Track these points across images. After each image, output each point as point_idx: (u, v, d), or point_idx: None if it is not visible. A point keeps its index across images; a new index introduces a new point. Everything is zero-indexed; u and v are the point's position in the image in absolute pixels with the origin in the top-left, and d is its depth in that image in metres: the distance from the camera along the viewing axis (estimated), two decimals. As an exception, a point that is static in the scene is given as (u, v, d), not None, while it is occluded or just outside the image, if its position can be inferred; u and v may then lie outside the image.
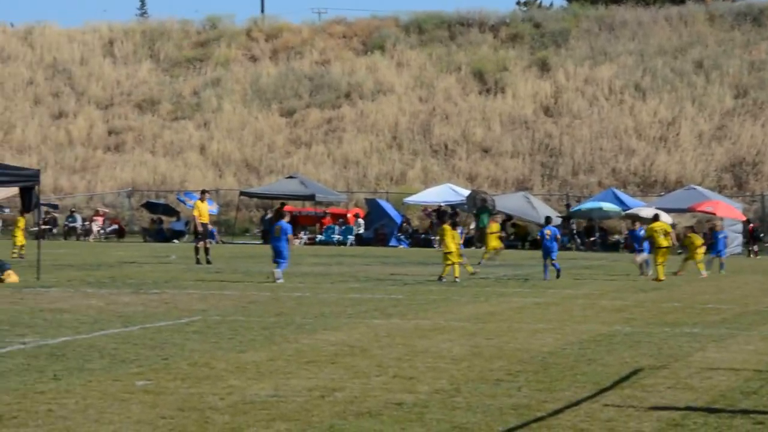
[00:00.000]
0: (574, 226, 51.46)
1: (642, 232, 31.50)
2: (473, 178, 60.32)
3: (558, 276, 29.11)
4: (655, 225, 30.12)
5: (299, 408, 10.85)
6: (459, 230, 30.69)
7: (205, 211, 34.45)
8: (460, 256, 28.32)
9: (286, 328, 17.40)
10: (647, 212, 42.74)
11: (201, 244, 33.79)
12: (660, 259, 28.89)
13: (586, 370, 13.26)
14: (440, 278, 27.46)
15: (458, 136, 63.82)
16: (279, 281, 26.27)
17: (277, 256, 26.77)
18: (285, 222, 27.40)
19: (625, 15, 72.85)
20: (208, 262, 33.25)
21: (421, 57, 70.64)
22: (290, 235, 27.35)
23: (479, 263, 32.95)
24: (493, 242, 34.27)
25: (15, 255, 34.90)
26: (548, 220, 32.39)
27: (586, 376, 12.80)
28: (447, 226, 28.56)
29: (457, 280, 27.20)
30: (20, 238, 36.48)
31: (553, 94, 66.70)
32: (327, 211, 53.58)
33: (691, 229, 35.71)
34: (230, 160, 63.11)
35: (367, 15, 77.18)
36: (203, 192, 36.42)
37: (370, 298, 22.70)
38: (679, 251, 36.28)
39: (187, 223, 53.29)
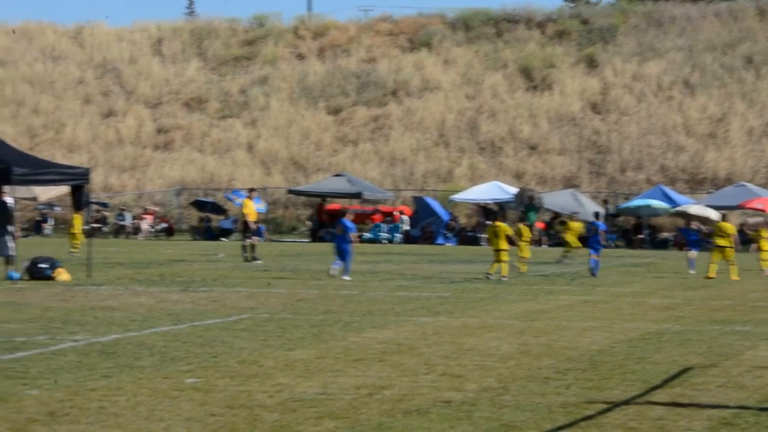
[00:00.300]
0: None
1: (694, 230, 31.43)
2: (520, 175, 60.11)
3: (593, 273, 28.85)
4: (721, 224, 29.97)
5: (347, 406, 10.88)
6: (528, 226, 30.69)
7: (253, 208, 34.65)
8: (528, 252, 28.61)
9: (334, 325, 17.45)
10: (696, 209, 42.41)
11: (248, 241, 33.97)
12: (714, 258, 28.64)
13: (636, 369, 13.18)
14: (487, 275, 27.40)
15: (505, 134, 63.63)
16: (345, 278, 26.55)
17: (340, 254, 27.01)
18: (348, 220, 27.77)
19: (673, 10, 72.26)
20: (255, 259, 33.39)
21: (467, 54, 70.50)
22: (353, 234, 27.68)
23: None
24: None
25: (76, 251, 35.19)
26: (597, 215, 32.16)
27: (636, 375, 12.73)
28: (501, 223, 28.45)
29: (504, 278, 27.13)
30: (78, 236, 36.76)
31: (600, 91, 66.30)
32: (378, 209, 53.57)
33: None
34: (277, 158, 63.36)
35: (414, 12, 77.04)
36: (251, 190, 36.59)
37: (417, 296, 22.71)
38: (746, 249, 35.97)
39: (235, 221, 53.54)
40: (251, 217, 34.13)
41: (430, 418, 10.33)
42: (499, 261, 27.45)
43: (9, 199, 27.80)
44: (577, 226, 36.07)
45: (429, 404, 10.98)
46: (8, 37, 76.35)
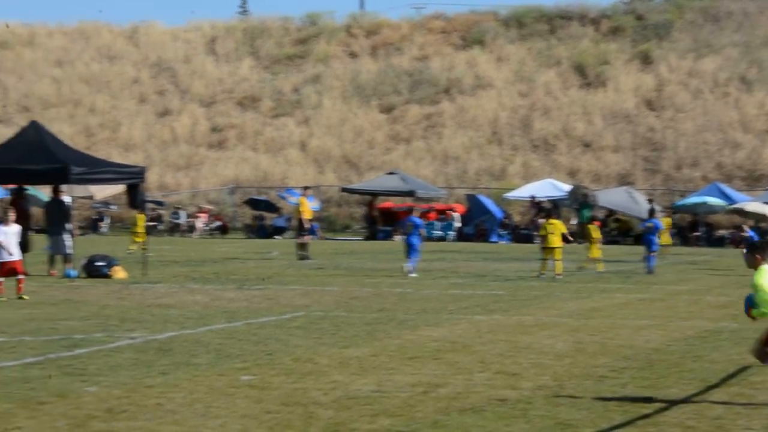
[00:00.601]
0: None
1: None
2: (574, 172, 59.76)
3: (649, 271, 28.68)
4: None
5: (402, 403, 10.88)
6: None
7: (308, 207, 34.80)
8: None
9: (389, 323, 17.46)
10: (753, 207, 41.94)
11: (303, 239, 34.07)
12: None
13: (693, 367, 13.06)
14: (540, 274, 27.30)
15: (559, 131, 63.29)
16: (411, 275, 26.74)
17: (409, 251, 27.27)
18: (416, 217, 28.05)
19: (730, 6, 71.46)
20: (305, 257, 33.44)
21: (520, 51, 70.21)
22: (422, 230, 27.95)
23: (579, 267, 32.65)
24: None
25: (144, 249, 35.43)
26: (652, 212, 31.89)
27: (693, 373, 12.60)
28: (555, 221, 28.32)
29: (558, 276, 27.00)
30: (141, 235, 36.88)
31: (655, 88, 65.74)
32: (433, 207, 53.46)
33: None
34: (330, 157, 63.50)
35: (466, 10, 76.92)
36: (306, 188, 36.71)
37: (471, 294, 22.66)
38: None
39: (288, 219, 53.75)
40: (306, 215, 34.25)
41: (485, 416, 10.30)
42: (550, 259, 27.35)
43: (67, 198, 28.14)
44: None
45: (484, 402, 10.95)
46: (65, 38, 77.20)
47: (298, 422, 10.00)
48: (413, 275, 26.86)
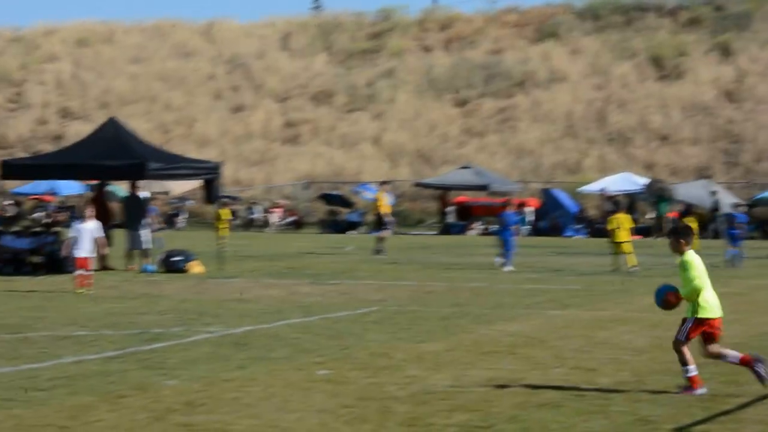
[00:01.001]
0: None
1: None
2: (651, 166, 59.08)
3: (734, 264, 28.31)
4: None
5: (479, 399, 10.83)
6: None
7: (386, 201, 34.85)
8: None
9: (464, 318, 17.40)
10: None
11: (382, 233, 34.03)
12: None
13: (775, 364, 12.82)
14: (614, 269, 27.09)
15: (635, 124, 62.61)
16: (507, 269, 27.00)
17: (503, 246, 27.64)
18: (510, 212, 28.55)
19: (810, -5, 70.10)
20: (379, 251, 33.37)
21: (596, 44, 69.55)
22: (516, 225, 28.48)
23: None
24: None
25: (223, 244, 35.68)
26: (735, 206, 31.50)
27: (775, 370, 12.37)
28: (622, 215, 28.24)
29: (635, 269, 26.74)
30: (225, 230, 37.17)
31: (735, 79, 64.72)
32: (511, 200, 52.98)
33: None
34: (404, 151, 63.48)
35: (541, 2, 76.27)
36: (384, 183, 36.71)
37: (546, 289, 22.51)
38: None
39: (362, 214, 53.85)
40: (384, 210, 34.26)
41: (563, 412, 10.21)
42: (620, 253, 27.25)
43: (144, 194, 28.49)
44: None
45: (562, 397, 10.86)
46: (142, 35, 78.13)
47: (374, 417, 10.00)
48: (509, 268, 27.04)
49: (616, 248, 27.36)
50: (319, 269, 27.65)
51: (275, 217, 55.02)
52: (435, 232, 52.10)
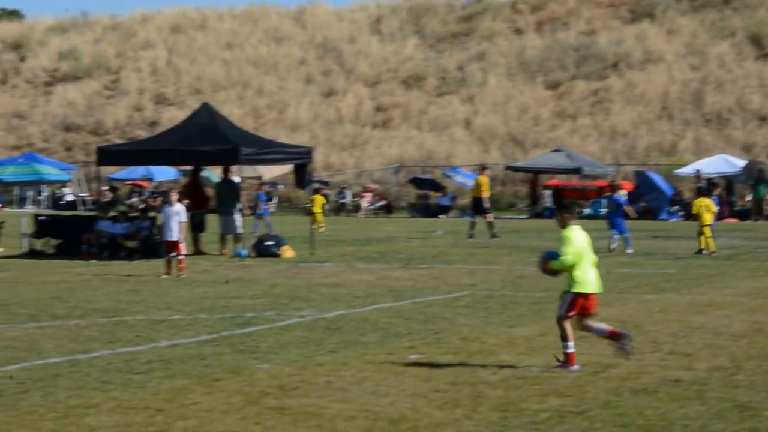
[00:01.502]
0: None
1: None
2: (749, 148, 57.90)
3: None
4: None
5: (572, 384, 10.72)
6: (714, 200, 29.47)
7: (487, 185, 34.63)
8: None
9: (556, 302, 17.23)
10: None
11: (486, 218, 33.81)
12: None
13: None
14: (700, 251, 26.80)
15: (733, 105, 61.40)
16: (628, 251, 27.16)
17: (613, 228, 27.79)
18: (618, 196, 28.57)
19: None
20: (471, 236, 33.22)
21: (692, 23, 68.31)
22: (626, 207, 28.39)
23: None
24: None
25: (322, 229, 35.98)
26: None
27: None
28: (704, 198, 27.98)
29: (713, 254, 26.47)
30: (320, 215, 37.51)
31: (835, 57, 63.07)
32: (613, 183, 52.23)
33: None
34: (495, 135, 63.14)
35: (634, -18, 74.99)
36: (483, 168, 36.45)
37: (641, 273, 22.21)
38: None
39: (453, 198, 53.71)
40: (486, 194, 33.98)
41: (658, 397, 10.07)
42: (703, 236, 27.01)
43: (237, 179, 28.74)
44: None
45: (657, 383, 10.71)
46: (235, 21, 78.81)
47: (467, 401, 9.96)
48: (629, 251, 27.09)
49: (702, 231, 27.18)
50: (410, 253, 27.64)
51: (366, 201, 55.17)
52: (526, 216, 51.75)
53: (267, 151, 28.72)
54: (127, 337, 13.74)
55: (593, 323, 11.57)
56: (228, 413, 9.51)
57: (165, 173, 53.88)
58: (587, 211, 49.77)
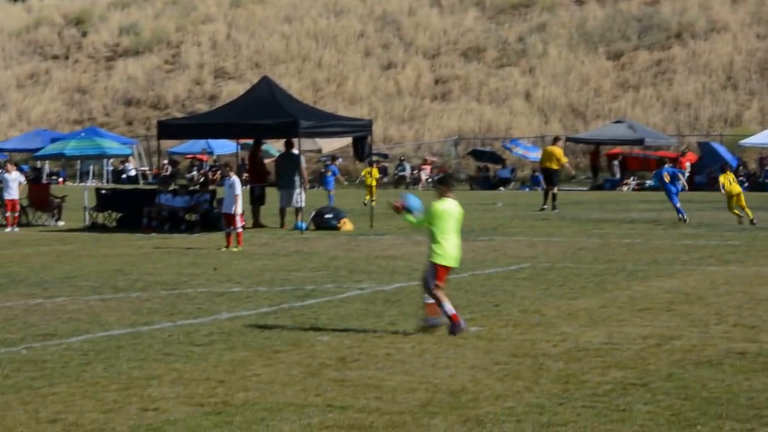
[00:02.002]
0: None
1: None
2: (815, 117, 56.90)
3: None
4: None
5: (635, 356, 10.61)
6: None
7: (562, 156, 34.29)
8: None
9: (618, 275, 17.09)
10: None
11: (555, 189, 33.50)
12: None
13: None
14: (752, 222, 26.60)
15: (798, 74, 60.33)
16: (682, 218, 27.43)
17: (671, 200, 28.19)
18: (669, 167, 28.71)
19: None
20: (554, 207, 32.84)
21: (758, -9, 67.12)
22: (680, 175, 28.84)
23: None
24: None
25: (374, 202, 35.96)
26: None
27: None
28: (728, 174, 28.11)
29: (753, 222, 26.38)
30: (373, 188, 37.51)
31: None
32: (684, 152, 51.46)
33: None
34: (556, 106, 62.63)
35: (697, -50, 73.79)
36: (556, 139, 36.05)
37: (704, 245, 21.92)
38: None
39: (512, 171, 53.43)
40: (555, 166, 33.52)
41: (723, 370, 9.92)
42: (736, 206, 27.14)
43: (298, 152, 28.74)
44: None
45: (722, 355, 10.56)
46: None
47: (527, 373, 9.89)
48: (684, 218, 27.34)
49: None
50: (470, 226, 27.49)
51: (425, 174, 55.06)
52: (587, 188, 51.35)
53: (326, 124, 28.71)
54: (188, 310, 13.82)
55: (444, 298, 11.95)
56: (288, 385, 9.52)
57: (225, 147, 54.12)
58: (649, 182, 49.22)
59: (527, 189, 49.43)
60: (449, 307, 11.77)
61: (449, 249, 12.09)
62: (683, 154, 50.44)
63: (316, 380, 9.67)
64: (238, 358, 10.71)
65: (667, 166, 29.61)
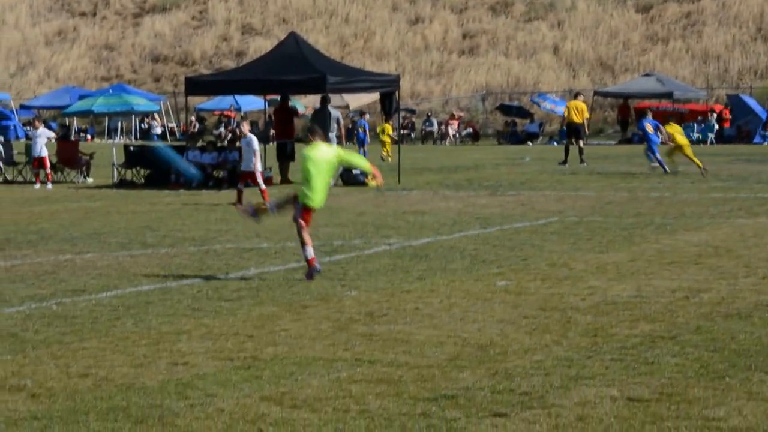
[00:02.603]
0: None
1: None
2: None
3: None
4: None
5: (663, 309, 10.59)
6: None
7: (586, 110, 34.12)
8: None
9: (646, 228, 17.03)
10: None
11: (574, 144, 33.33)
12: None
13: None
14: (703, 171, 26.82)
15: (830, 24, 59.58)
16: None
17: (652, 150, 28.41)
18: (652, 118, 29.28)
19: None
20: (582, 161, 32.62)
21: (788, -60, 66.19)
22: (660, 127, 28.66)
23: None
24: None
25: (390, 158, 35.99)
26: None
27: None
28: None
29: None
30: (388, 143, 37.71)
31: None
32: (712, 108, 51.07)
33: None
34: (584, 60, 62.19)
35: None
36: (577, 94, 35.83)
37: (734, 198, 21.80)
38: None
39: (541, 125, 53.20)
40: (580, 120, 33.29)
41: (752, 322, 9.90)
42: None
43: (331, 109, 28.47)
44: None
45: (751, 308, 10.53)
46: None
47: (556, 327, 9.90)
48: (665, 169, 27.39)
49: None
50: (497, 180, 27.47)
51: (452, 129, 54.89)
52: (615, 142, 51.09)
53: (354, 79, 28.64)
54: (216, 265, 13.90)
55: (308, 239, 12.58)
56: (317, 339, 9.57)
57: (252, 103, 54.10)
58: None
59: (555, 143, 49.16)
60: (309, 251, 12.50)
61: (317, 192, 12.71)
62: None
63: (345, 335, 9.71)
64: (267, 313, 10.77)
65: (649, 116, 29.78)
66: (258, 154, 22.15)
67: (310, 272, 12.46)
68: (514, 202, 21.66)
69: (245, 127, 22.80)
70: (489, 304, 11.02)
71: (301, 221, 12.64)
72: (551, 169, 31.51)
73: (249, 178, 21.98)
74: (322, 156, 12.81)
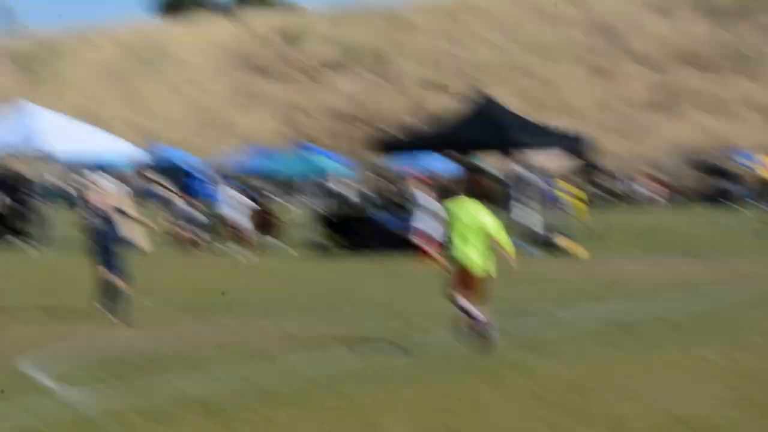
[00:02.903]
0: None
1: None
2: None
3: None
4: None
5: None
6: None
7: None
8: None
9: None
10: None
11: None
12: None
13: None
14: None
15: None
16: None
17: None
18: None
19: None
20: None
21: None
22: None
23: None
24: None
25: (585, 221, 34.67)
26: None
27: None
28: None
29: None
30: (581, 205, 36.23)
31: None
32: None
33: None
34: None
35: None
36: None
37: None
38: None
39: (747, 186, 50.69)
40: None
41: None
42: None
43: (522, 170, 27.38)
44: None
45: None
46: (507, 3, 77.88)
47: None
48: None
49: None
50: (705, 247, 25.67)
51: (648, 189, 53.15)
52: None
53: (541, 137, 27.59)
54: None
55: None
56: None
57: (444, 166, 53.31)
58: None
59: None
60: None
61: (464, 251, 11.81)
62: None
63: (548, 412, 8.75)
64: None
65: None
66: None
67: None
68: (725, 271, 20.05)
69: (418, 186, 22.11)
70: (706, 380, 9.88)
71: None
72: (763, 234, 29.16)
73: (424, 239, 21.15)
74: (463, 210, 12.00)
